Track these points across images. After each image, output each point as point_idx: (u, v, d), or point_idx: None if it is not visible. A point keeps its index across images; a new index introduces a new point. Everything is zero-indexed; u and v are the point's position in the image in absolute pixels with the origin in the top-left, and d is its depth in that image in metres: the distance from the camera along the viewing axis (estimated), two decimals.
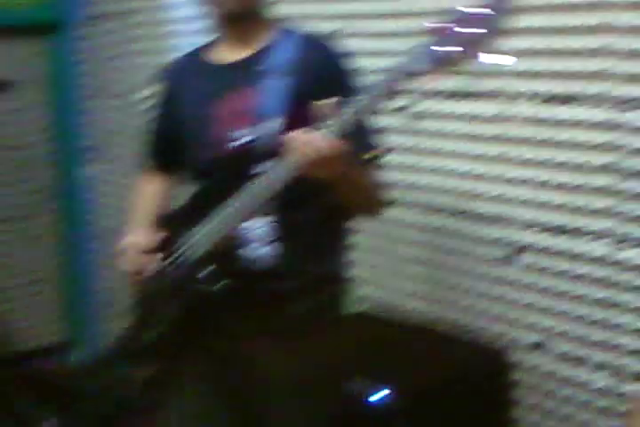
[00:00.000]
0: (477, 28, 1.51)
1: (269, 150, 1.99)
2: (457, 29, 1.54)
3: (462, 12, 1.55)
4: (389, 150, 2.13)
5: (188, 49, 3.46)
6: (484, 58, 1.54)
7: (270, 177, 1.89)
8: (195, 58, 2.30)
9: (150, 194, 2.44)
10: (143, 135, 3.79)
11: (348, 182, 1.92)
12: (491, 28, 1.50)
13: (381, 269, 3.02)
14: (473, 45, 1.52)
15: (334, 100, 1.78)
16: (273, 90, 2.04)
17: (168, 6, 3.78)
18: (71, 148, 4.71)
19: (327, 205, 2.05)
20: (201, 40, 3.43)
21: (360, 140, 1.93)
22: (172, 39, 3.77)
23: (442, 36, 1.56)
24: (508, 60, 1.52)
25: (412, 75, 1.61)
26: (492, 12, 1.50)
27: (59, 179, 4.75)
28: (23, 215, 4.66)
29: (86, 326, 4.82)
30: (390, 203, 2.24)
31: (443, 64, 1.56)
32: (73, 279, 4.84)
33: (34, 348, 4.73)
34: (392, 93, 1.66)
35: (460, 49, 1.53)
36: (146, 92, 3.94)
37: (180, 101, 2.25)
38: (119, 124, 4.32)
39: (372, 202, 2.15)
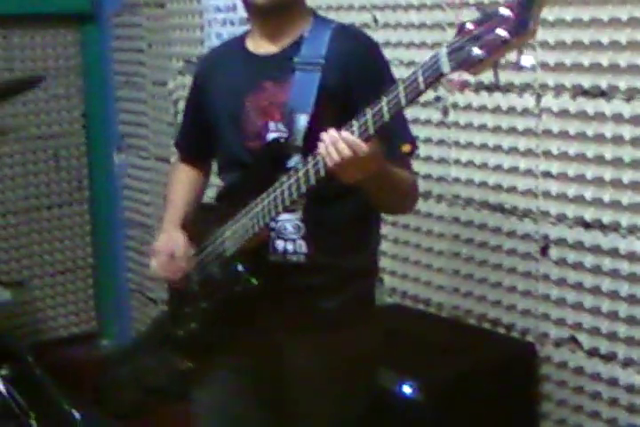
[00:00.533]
0: (505, 29, 1.49)
1: (301, 145, 1.99)
2: (484, 30, 1.52)
3: (491, 13, 1.53)
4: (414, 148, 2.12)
5: (222, 39, 3.50)
6: (510, 58, 1.53)
7: (302, 173, 1.89)
8: (230, 48, 2.31)
9: (182, 185, 2.44)
10: (175, 124, 3.83)
11: (379, 182, 1.90)
12: (519, 30, 1.48)
13: (410, 261, 3.02)
14: (498, 47, 1.50)
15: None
16: (306, 83, 2.04)
17: None
18: (104, 136, 4.74)
19: (358, 200, 2.04)
20: (234, 30, 3.48)
21: (393, 134, 1.92)
22: (206, 29, 3.78)
23: (469, 36, 1.54)
24: (528, 61, 1.51)
25: (438, 76, 1.60)
26: (521, 14, 1.49)
27: (92, 167, 4.78)
28: (56, 204, 4.70)
29: (117, 315, 4.86)
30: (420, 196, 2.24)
31: (468, 66, 1.54)
32: (104, 268, 4.88)
33: (65, 336, 4.79)
34: (419, 93, 1.65)
35: (486, 51, 1.51)
36: (177, 83, 3.98)
37: (212, 91, 2.25)
38: (152, 112, 4.35)
39: (403, 200, 2.14)
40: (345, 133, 1.77)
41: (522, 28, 1.48)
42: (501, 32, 1.50)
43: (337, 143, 1.77)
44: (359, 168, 1.80)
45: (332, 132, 1.78)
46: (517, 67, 1.51)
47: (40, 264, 4.69)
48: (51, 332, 4.76)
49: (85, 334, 4.85)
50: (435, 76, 1.61)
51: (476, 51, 1.52)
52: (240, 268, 2.08)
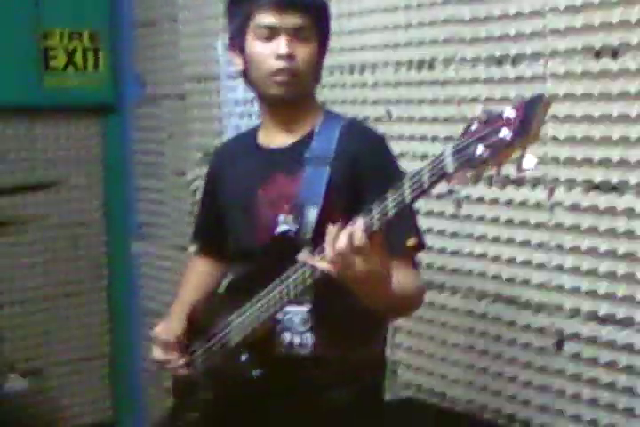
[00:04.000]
0: (509, 130, 1.50)
1: (311, 238, 1.99)
2: (489, 131, 1.52)
3: (496, 114, 1.54)
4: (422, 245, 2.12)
5: (240, 131, 3.54)
6: (514, 161, 1.53)
7: (308, 266, 1.88)
8: (242, 142, 2.34)
9: (196, 277, 2.47)
10: (192, 215, 3.84)
11: (374, 286, 1.84)
12: (522, 132, 1.49)
13: (425, 354, 2.98)
14: (502, 148, 1.50)
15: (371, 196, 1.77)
16: (315, 177, 2.05)
17: (222, 89, 3.84)
18: (124, 225, 4.77)
19: None
20: (252, 122, 3.53)
21: (399, 229, 1.90)
22: (224, 121, 3.83)
23: (474, 137, 1.55)
24: (530, 163, 1.51)
25: (441, 175, 1.60)
26: (525, 116, 1.49)
27: (110, 256, 4.80)
28: (75, 292, 4.71)
29: (132, 404, 4.82)
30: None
31: (472, 166, 1.54)
32: (121, 358, 4.85)
33: (80, 425, 4.74)
34: (423, 192, 1.65)
35: (490, 152, 1.52)
36: (196, 173, 4.01)
37: (226, 184, 2.28)
38: (171, 202, 4.38)
39: (405, 302, 2.07)
40: (355, 228, 1.74)
41: (525, 129, 1.49)
42: (505, 133, 1.50)
43: (345, 239, 1.74)
44: (359, 263, 1.75)
45: (340, 227, 1.76)
46: (519, 169, 1.50)
47: (57, 352, 4.67)
48: (66, 421, 4.71)
49: (101, 423, 4.81)
50: (439, 176, 1.61)
51: (480, 151, 1.53)
52: (243, 358, 2.07)
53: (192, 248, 2.59)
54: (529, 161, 1.50)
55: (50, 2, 4.39)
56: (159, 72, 4.42)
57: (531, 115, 1.49)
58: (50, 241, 4.61)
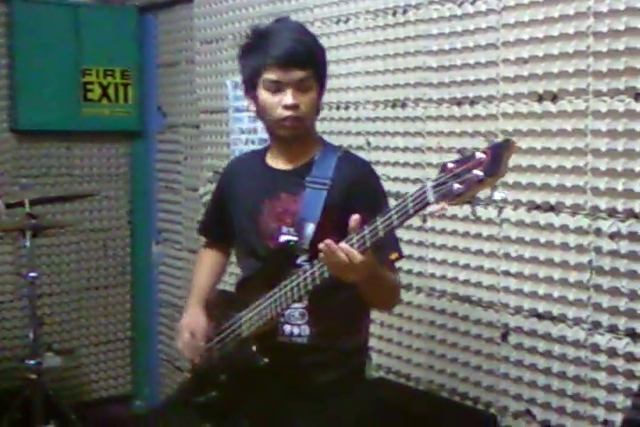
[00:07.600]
0: (481, 170, 1.52)
1: (308, 248, 2.00)
2: (463, 170, 1.54)
3: (469, 156, 1.55)
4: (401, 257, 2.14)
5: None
6: (484, 194, 1.54)
7: (309, 274, 1.90)
8: (252, 159, 2.30)
9: (206, 269, 2.44)
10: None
11: (370, 283, 1.90)
12: (492, 171, 1.51)
13: (394, 342, 2.99)
14: (475, 184, 1.53)
15: (360, 217, 1.77)
16: (314, 198, 2.05)
17: (229, 120, 3.85)
18: (146, 231, 4.77)
19: (352, 293, 2.01)
20: (254, 148, 3.52)
21: (385, 244, 1.92)
22: (232, 146, 3.83)
23: (450, 174, 1.56)
24: (499, 196, 1.52)
25: (424, 205, 1.62)
26: (494, 158, 1.51)
27: (134, 256, 4.81)
28: (102, 285, 4.72)
29: (149, 380, 4.80)
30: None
31: (449, 198, 1.56)
32: (140, 341, 4.85)
33: (104, 397, 4.74)
34: (408, 217, 1.67)
35: (465, 187, 1.54)
36: (207, 189, 4.01)
37: (235, 192, 2.26)
38: (185, 212, 4.38)
39: (388, 298, 2.13)
40: (343, 244, 1.77)
41: (494, 169, 1.51)
42: (478, 172, 1.52)
43: (336, 252, 1.77)
44: (354, 272, 1.79)
45: (330, 243, 1.78)
46: (490, 200, 1.52)
47: (86, 335, 4.69)
48: (92, 393, 4.72)
49: (122, 395, 4.82)
50: (422, 205, 1.63)
51: (457, 186, 1.54)
52: (254, 348, 2.08)
53: (201, 241, 2.56)
54: (498, 194, 1.52)
55: (88, 44, 4.41)
56: (178, 105, 4.43)
57: (498, 157, 1.50)
58: (84, 243, 4.63)
